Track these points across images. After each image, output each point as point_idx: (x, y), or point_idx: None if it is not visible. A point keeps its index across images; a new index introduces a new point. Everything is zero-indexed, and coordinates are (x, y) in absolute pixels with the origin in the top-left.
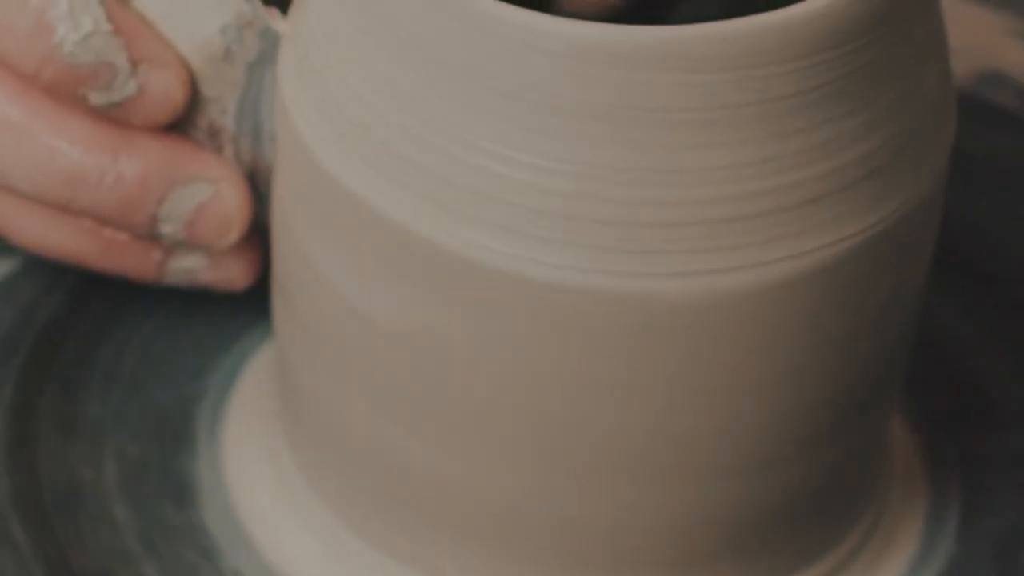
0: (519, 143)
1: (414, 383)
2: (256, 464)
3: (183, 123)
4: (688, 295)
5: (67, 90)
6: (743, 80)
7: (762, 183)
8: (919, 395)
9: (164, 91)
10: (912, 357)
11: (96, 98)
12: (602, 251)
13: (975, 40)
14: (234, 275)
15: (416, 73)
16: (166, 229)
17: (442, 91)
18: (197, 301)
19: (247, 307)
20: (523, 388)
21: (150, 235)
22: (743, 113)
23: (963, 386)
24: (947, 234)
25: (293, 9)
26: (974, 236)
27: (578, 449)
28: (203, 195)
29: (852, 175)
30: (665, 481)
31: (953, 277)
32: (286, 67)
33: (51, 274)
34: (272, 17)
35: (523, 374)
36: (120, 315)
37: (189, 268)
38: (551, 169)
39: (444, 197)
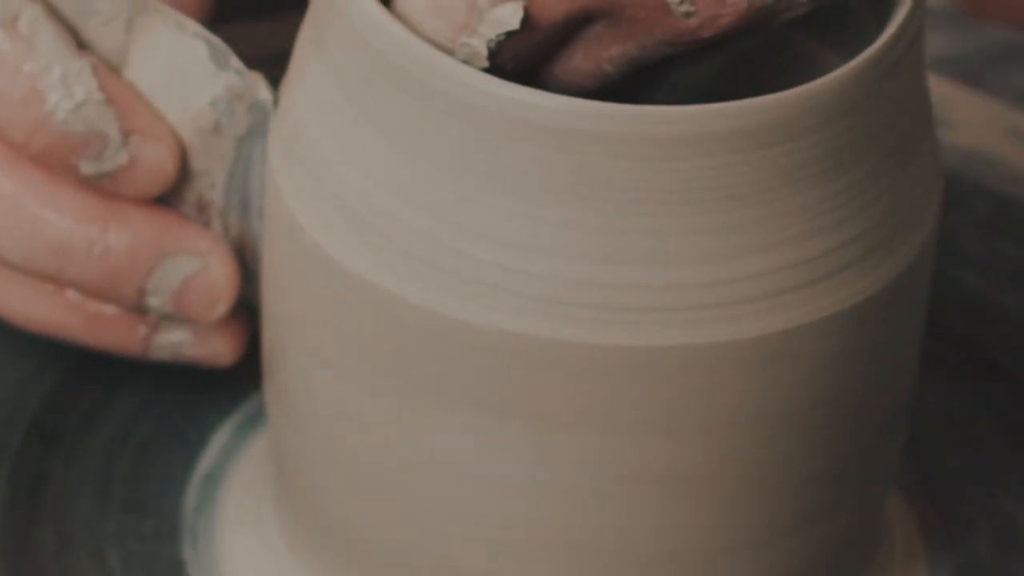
0: (506, 222)
1: (407, 465)
2: (251, 552)
3: (171, 196)
4: (674, 368)
5: (58, 159)
6: (732, 161)
7: (748, 258)
8: (917, 466)
9: (155, 162)
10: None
11: (87, 167)
12: (587, 322)
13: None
14: (220, 351)
15: (401, 154)
16: (153, 302)
17: (428, 172)
18: (190, 379)
19: (244, 384)
20: (516, 455)
21: (138, 308)
22: (732, 191)
23: (959, 456)
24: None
25: (283, 86)
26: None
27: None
28: (191, 268)
29: (840, 250)
30: (651, 566)
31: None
32: (275, 145)
33: (41, 359)
34: (260, 87)
35: (517, 442)
36: (111, 398)
37: (174, 343)
38: (538, 248)
39: (432, 276)
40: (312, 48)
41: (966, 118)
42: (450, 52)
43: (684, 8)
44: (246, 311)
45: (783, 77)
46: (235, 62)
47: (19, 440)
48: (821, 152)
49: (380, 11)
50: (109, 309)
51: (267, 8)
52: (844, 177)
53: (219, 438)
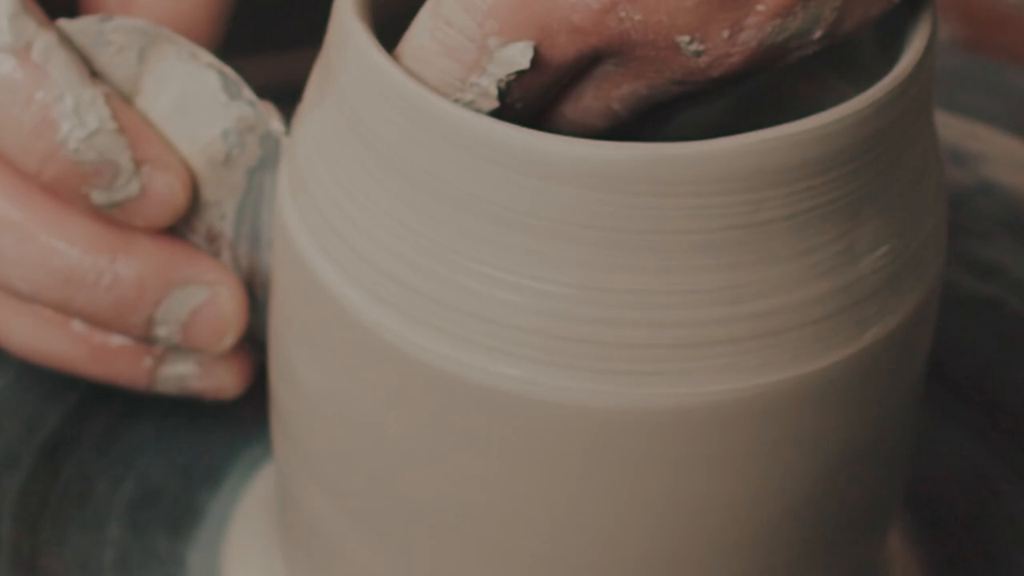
0: (511, 265)
1: (414, 511)
2: None
3: (181, 227)
4: (670, 414)
5: (69, 188)
6: (735, 202)
7: (749, 305)
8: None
9: (166, 192)
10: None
11: (98, 197)
12: (590, 371)
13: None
14: (225, 384)
15: (407, 194)
16: (161, 332)
17: (434, 214)
18: (195, 415)
19: (250, 421)
20: (522, 512)
21: (145, 338)
22: (736, 235)
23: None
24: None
25: (294, 122)
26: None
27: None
28: (200, 298)
29: (842, 295)
30: None
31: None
32: (284, 181)
33: (49, 390)
34: (272, 118)
35: (521, 497)
36: (118, 433)
37: (180, 375)
38: (542, 291)
39: (438, 318)
40: (321, 87)
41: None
42: (459, 92)
43: (694, 47)
44: (252, 344)
45: (789, 112)
46: (247, 93)
47: (28, 468)
48: (832, 191)
49: (384, 57)
50: (115, 341)
51: (282, 42)
52: (855, 216)
53: (229, 480)
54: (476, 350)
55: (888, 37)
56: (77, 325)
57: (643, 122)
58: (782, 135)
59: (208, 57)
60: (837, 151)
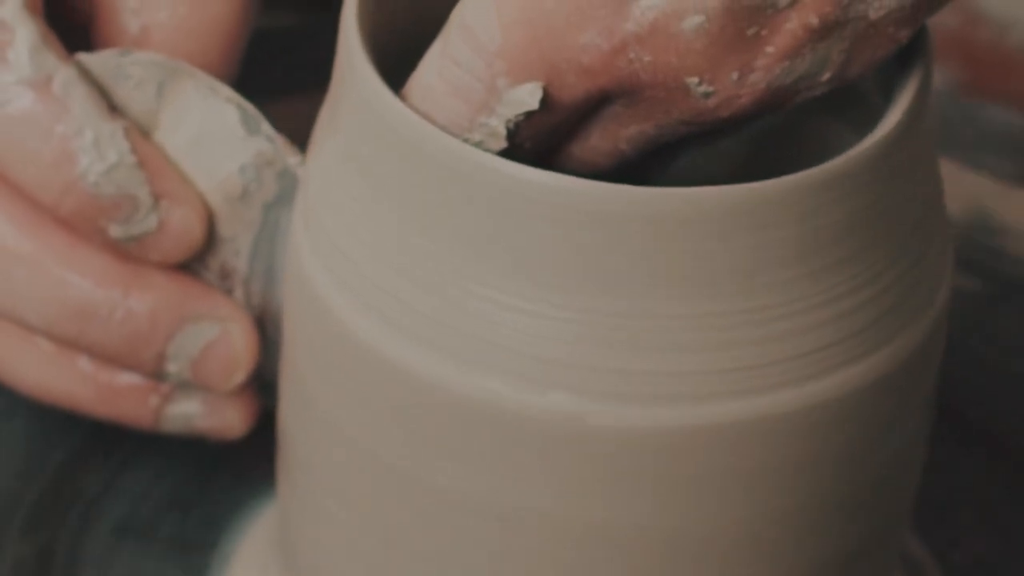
0: (525, 293)
1: (431, 537)
2: None
3: (195, 264)
4: (684, 439)
5: (87, 222)
6: (746, 243)
7: (757, 331)
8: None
9: (184, 227)
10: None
11: (116, 231)
12: (602, 395)
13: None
14: (231, 423)
15: (415, 234)
16: (172, 368)
17: (442, 254)
18: (200, 461)
19: (257, 469)
20: (536, 539)
21: (156, 374)
22: (741, 271)
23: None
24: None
25: (308, 156)
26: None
27: None
28: (211, 335)
29: (847, 323)
30: None
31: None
32: (299, 218)
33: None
34: (290, 153)
35: (536, 523)
36: (121, 476)
37: (186, 415)
38: (557, 318)
39: (453, 345)
40: (330, 122)
41: None
42: (467, 132)
43: (703, 89)
44: (260, 386)
45: (791, 152)
46: (266, 128)
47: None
48: (835, 233)
49: (390, 95)
50: (121, 380)
51: (303, 86)
52: (858, 258)
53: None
54: (490, 375)
55: (886, 77)
56: (83, 363)
57: (648, 161)
58: (784, 183)
59: (227, 91)
60: (844, 189)
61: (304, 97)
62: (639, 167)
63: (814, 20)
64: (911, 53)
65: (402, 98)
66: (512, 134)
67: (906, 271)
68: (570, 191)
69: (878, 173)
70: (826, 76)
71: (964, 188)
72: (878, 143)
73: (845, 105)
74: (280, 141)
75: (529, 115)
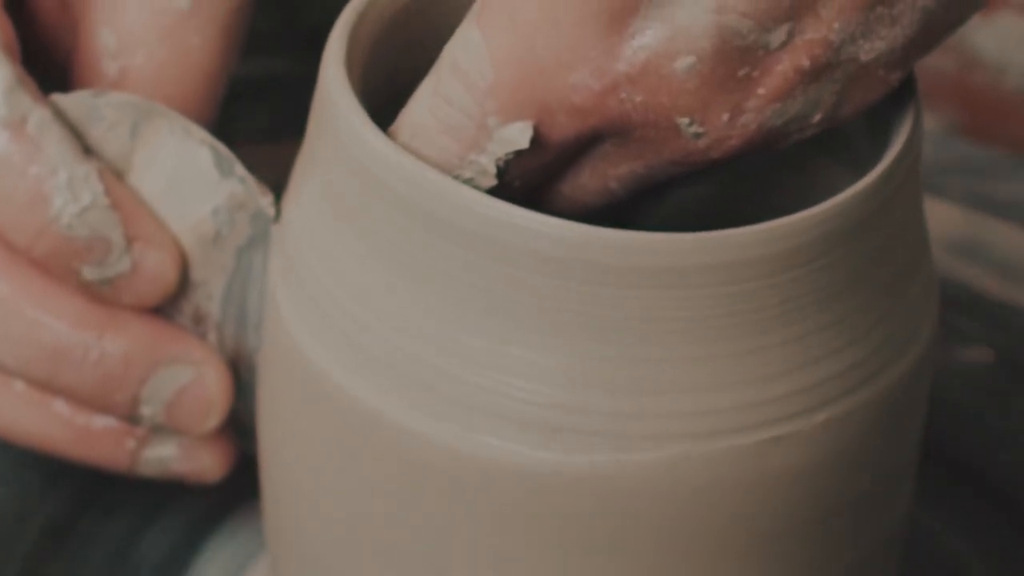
0: (505, 344)
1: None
2: None
3: (168, 307)
4: (676, 492)
5: (61, 263)
6: (736, 290)
7: (744, 371)
8: None
9: (157, 270)
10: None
11: (89, 273)
12: (591, 449)
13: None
14: (207, 466)
15: (397, 279)
16: (146, 411)
17: (426, 298)
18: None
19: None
20: None
21: (130, 417)
22: (727, 315)
23: None
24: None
25: (283, 205)
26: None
27: None
28: (185, 378)
29: (833, 362)
30: None
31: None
32: (275, 264)
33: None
34: (264, 196)
35: (524, 571)
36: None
37: (162, 458)
38: (542, 367)
39: (431, 404)
40: (307, 168)
41: None
42: (458, 169)
43: (694, 129)
44: (236, 429)
45: (778, 188)
46: (239, 169)
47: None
48: (822, 278)
49: (373, 132)
50: (97, 423)
51: (284, 132)
52: (845, 302)
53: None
54: (471, 431)
55: (875, 117)
56: (59, 406)
57: (637, 199)
58: (771, 228)
59: (201, 133)
60: (833, 234)
61: (290, 143)
62: (627, 204)
63: (805, 62)
64: (901, 94)
65: (391, 136)
66: (502, 172)
67: (891, 310)
68: (559, 235)
69: (868, 215)
70: (817, 118)
71: (956, 226)
72: (871, 185)
73: (833, 141)
74: (253, 183)
75: (519, 154)
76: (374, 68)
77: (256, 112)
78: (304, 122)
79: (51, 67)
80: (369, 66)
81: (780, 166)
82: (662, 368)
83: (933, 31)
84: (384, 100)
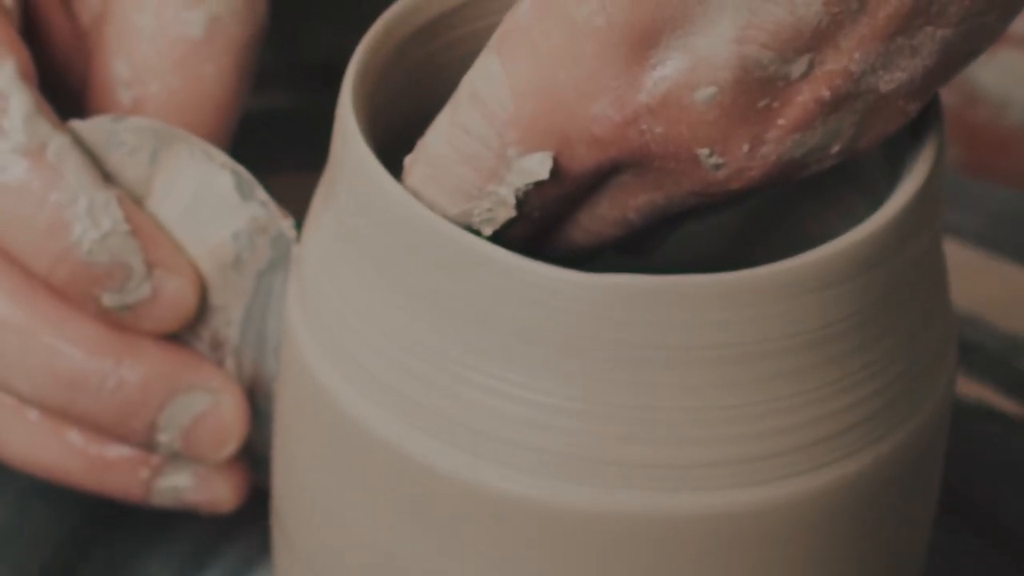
0: (522, 381)
1: None
2: None
3: (186, 333)
4: (685, 528)
5: (80, 290)
6: (747, 324)
7: (760, 423)
8: None
9: (177, 296)
10: None
11: (109, 299)
12: (610, 485)
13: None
14: (221, 496)
15: (416, 314)
16: (163, 438)
17: (444, 334)
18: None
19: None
20: None
21: (147, 444)
22: (748, 353)
23: None
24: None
25: (304, 232)
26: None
27: None
28: (202, 405)
29: (851, 414)
30: None
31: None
32: (293, 293)
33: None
34: (284, 219)
35: None
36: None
37: (176, 488)
38: (557, 407)
39: (455, 434)
40: (325, 202)
41: None
42: (476, 200)
43: (714, 160)
44: (251, 460)
45: (794, 219)
46: (260, 193)
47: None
48: (843, 314)
49: (385, 176)
50: (111, 452)
51: (299, 165)
52: (865, 341)
53: None
54: (487, 464)
55: (894, 147)
56: (73, 436)
57: (652, 228)
58: (790, 266)
59: (222, 157)
60: (844, 275)
61: (304, 176)
62: (642, 233)
63: (826, 93)
64: (922, 126)
65: (409, 165)
66: (521, 203)
67: (911, 361)
68: (570, 282)
69: (885, 257)
70: (836, 149)
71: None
72: (890, 222)
73: (851, 171)
74: (273, 206)
75: (539, 184)
76: (389, 94)
77: (258, 145)
78: (305, 155)
79: (65, 96)
80: (384, 92)
81: (797, 194)
82: (678, 413)
83: (951, 61)
84: (402, 124)
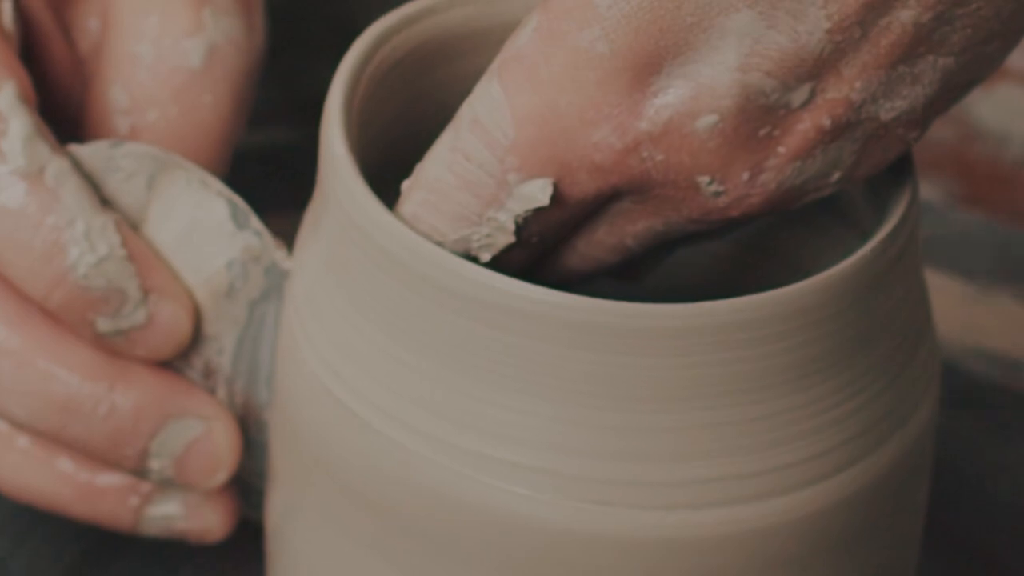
0: (515, 403)
1: None
2: None
3: (178, 361)
4: (683, 561)
5: (75, 314)
6: (741, 356)
7: (747, 440)
8: None
9: (172, 323)
10: None
11: (104, 324)
12: (597, 515)
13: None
14: (211, 525)
15: (400, 349)
16: (155, 465)
17: (428, 367)
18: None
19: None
20: None
21: (138, 471)
22: (739, 386)
23: None
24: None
25: (292, 261)
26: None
27: None
28: (195, 432)
29: (834, 438)
30: None
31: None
32: (284, 324)
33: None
34: (278, 249)
35: None
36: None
37: (166, 516)
38: (553, 429)
39: (449, 456)
40: (312, 232)
41: None
42: (476, 226)
43: (714, 188)
44: (241, 489)
45: (779, 244)
46: (255, 222)
47: None
48: (827, 346)
49: (373, 202)
50: (101, 480)
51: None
52: (849, 371)
53: None
54: (473, 494)
55: (874, 179)
56: (63, 463)
57: (645, 254)
58: (780, 294)
59: (218, 185)
60: (828, 304)
61: (299, 213)
62: (635, 258)
63: (826, 121)
64: (898, 164)
65: (406, 191)
66: (520, 229)
67: (893, 381)
68: (563, 306)
69: (870, 283)
70: (835, 176)
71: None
72: (871, 253)
73: (833, 202)
74: (268, 235)
75: (539, 210)
76: (376, 118)
77: (258, 181)
78: (307, 192)
79: (63, 121)
80: (370, 118)
81: (783, 222)
82: (669, 435)
83: (952, 90)
84: (390, 147)
